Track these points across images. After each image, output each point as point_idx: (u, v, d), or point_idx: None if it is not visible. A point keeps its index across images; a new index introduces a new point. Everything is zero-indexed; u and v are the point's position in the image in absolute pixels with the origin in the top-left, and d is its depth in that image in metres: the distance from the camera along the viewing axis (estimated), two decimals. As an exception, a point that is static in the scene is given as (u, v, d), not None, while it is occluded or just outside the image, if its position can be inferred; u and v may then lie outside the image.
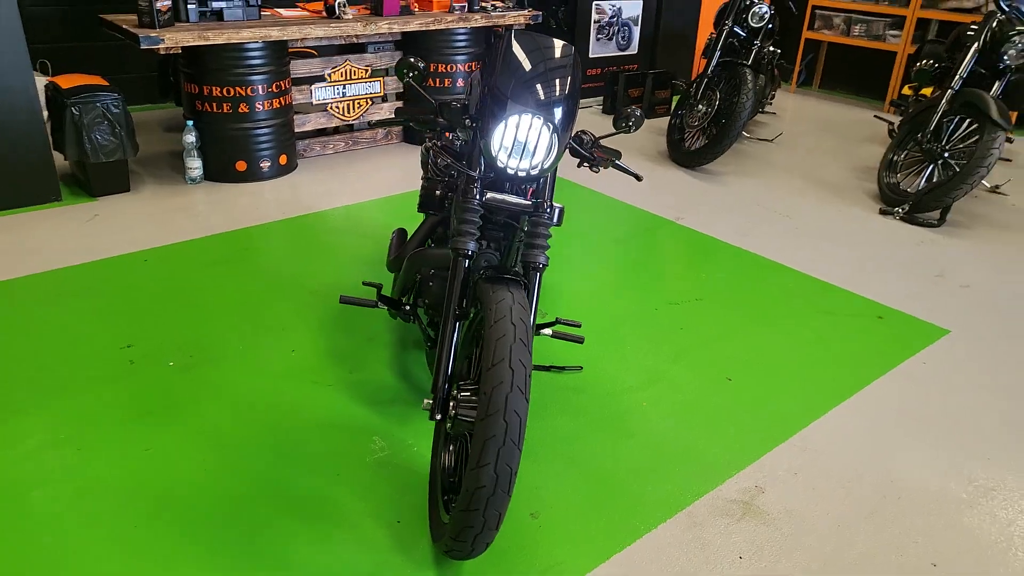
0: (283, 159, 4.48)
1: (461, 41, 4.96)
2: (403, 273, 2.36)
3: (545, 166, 1.86)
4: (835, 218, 4.26)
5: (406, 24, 4.60)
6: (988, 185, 4.73)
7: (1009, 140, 4.17)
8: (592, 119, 6.09)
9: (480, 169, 1.92)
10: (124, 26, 3.93)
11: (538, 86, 1.83)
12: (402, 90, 5.10)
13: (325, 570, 1.83)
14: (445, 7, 4.92)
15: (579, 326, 2.37)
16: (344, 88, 4.81)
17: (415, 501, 2.07)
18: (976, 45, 4.28)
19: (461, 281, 1.89)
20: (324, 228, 3.79)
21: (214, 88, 4.15)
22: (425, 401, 1.85)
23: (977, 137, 4.05)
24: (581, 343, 2.28)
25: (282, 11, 4.60)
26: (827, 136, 5.95)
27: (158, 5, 3.85)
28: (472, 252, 1.89)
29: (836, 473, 2.25)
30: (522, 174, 1.87)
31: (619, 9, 6.33)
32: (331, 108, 4.81)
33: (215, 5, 4.16)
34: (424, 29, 4.70)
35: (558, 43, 1.95)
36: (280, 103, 4.36)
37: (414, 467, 2.20)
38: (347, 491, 2.09)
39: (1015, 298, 3.39)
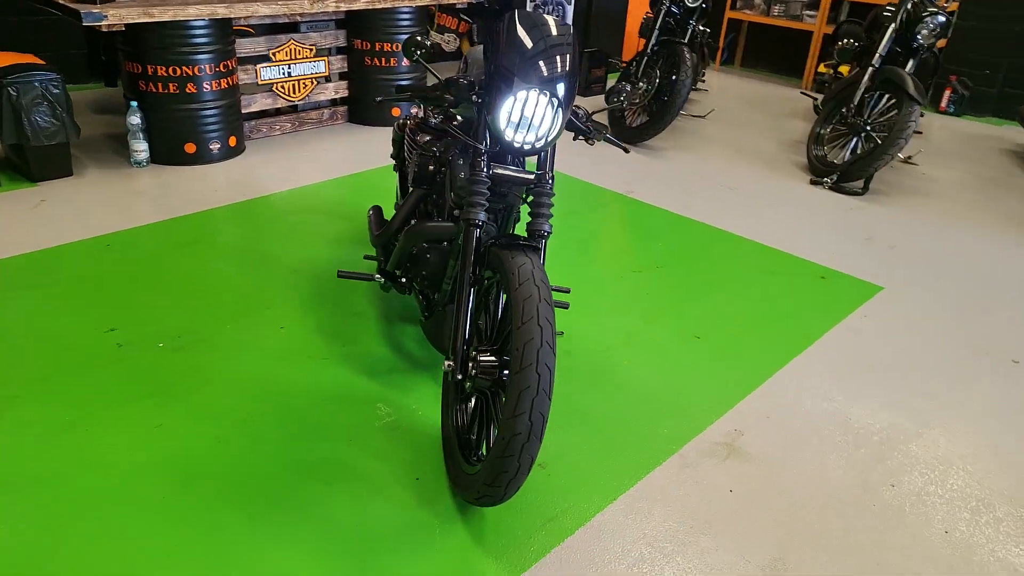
0: (232, 141, 4.43)
1: (405, 20, 4.99)
2: (399, 247, 2.44)
3: (549, 139, 1.99)
4: (771, 188, 4.56)
5: (353, 2, 4.59)
6: (902, 156, 5.14)
7: (920, 114, 4.55)
8: (532, 97, 6.21)
9: (486, 143, 2.03)
10: (61, 1, 3.78)
11: (541, 63, 1.94)
12: (346, 70, 5.09)
13: (362, 527, 1.93)
14: (390, -15, 4.93)
15: (568, 291, 2.52)
16: (289, 68, 4.77)
17: (430, 459, 2.18)
18: (893, 26, 4.63)
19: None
20: (286, 209, 3.80)
21: (159, 68, 4.06)
22: (446, 363, 1.96)
23: (896, 111, 4.41)
24: (566, 308, 2.42)
25: (225, -11, 4.50)
26: (754, 112, 6.29)
27: (101, -19, 3.73)
28: (483, 222, 2.01)
29: (802, 415, 2.49)
30: (527, 147, 1.99)
31: (553, -11, 6.47)
32: (276, 88, 4.76)
33: (158, -18, 4.05)
34: (371, 8, 4.70)
35: (557, 22, 2.07)
36: (228, 83, 4.30)
37: (422, 429, 2.31)
38: (363, 455, 2.18)
39: (936, 256, 3.75)
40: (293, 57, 4.75)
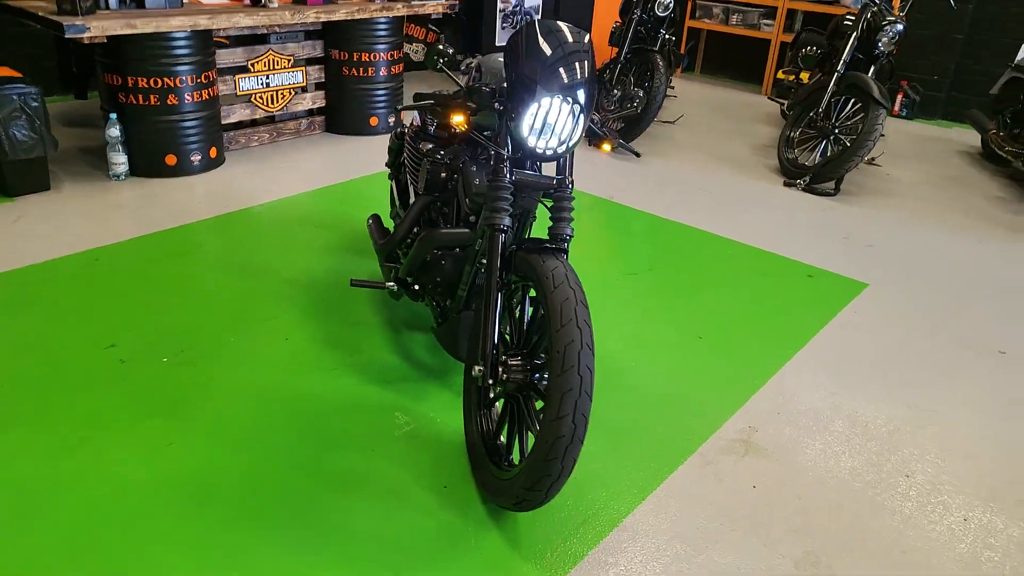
0: (213, 152, 4.36)
1: (382, 30, 4.98)
2: (412, 254, 2.45)
3: (571, 144, 2.02)
4: (747, 191, 4.68)
5: (332, 13, 4.57)
6: (865, 158, 5.33)
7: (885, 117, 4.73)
8: (505, 106, 6.25)
9: (507, 149, 2.05)
10: (41, 13, 3.68)
11: (562, 70, 1.97)
12: (323, 80, 5.06)
13: (393, 537, 1.92)
14: (366, -5, 4.92)
15: None
16: (267, 78, 4.72)
17: (455, 467, 2.19)
18: (855, 33, 4.81)
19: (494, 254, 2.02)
20: (273, 219, 3.75)
21: (139, 79, 3.98)
22: (476, 368, 1.97)
23: (863, 115, 4.57)
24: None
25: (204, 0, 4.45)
26: (720, 117, 6.44)
27: (79, -9, 3.64)
28: (508, 227, 2.03)
29: (811, 410, 2.57)
30: (549, 153, 2.02)
31: (522, -2, 6.54)
32: (255, 99, 4.71)
33: (135, -8, 3.98)
34: (349, 18, 4.69)
35: (575, 29, 2.10)
36: (209, 94, 4.24)
37: (443, 436, 2.31)
38: (387, 465, 2.18)
39: (911, 253, 3.90)
40: (271, 68, 4.71)
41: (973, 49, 6.66)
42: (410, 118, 3.26)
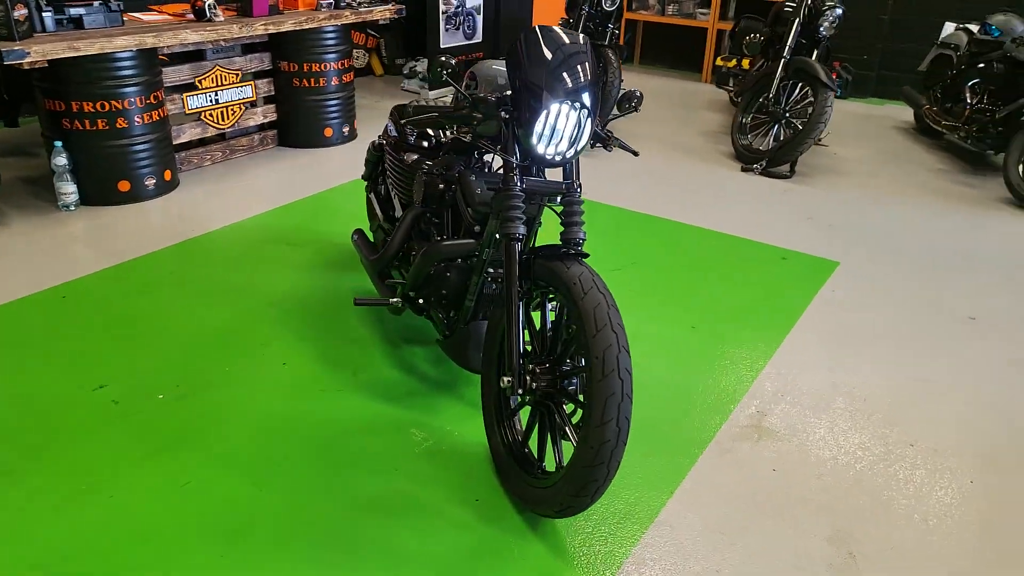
0: (167, 175, 4.20)
1: (331, 39, 4.88)
2: (416, 268, 2.41)
3: (579, 148, 2.03)
4: (707, 178, 4.78)
5: (280, 24, 4.46)
6: (816, 140, 5.51)
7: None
8: (455, 108, 6.22)
9: (516, 157, 2.04)
10: (-25, 40, 3.47)
11: (566, 75, 1.97)
12: (273, 93, 4.93)
13: (437, 555, 1.90)
14: (312, 5, 4.81)
15: None
16: (216, 95, 4.57)
17: (483, 479, 2.17)
18: (798, 20, 4.96)
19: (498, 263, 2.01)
20: (243, 241, 3.64)
21: (84, 103, 3.80)
22: (504, 379, 1.95)
23: (812, 98, 4.72)
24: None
25: (141, 15, 4.27)
26: (667, 106, 6.55)
27: (15, 15, 3.45)
28: (524, 236, 2.02)
29: (811, 389, 2.64)
30: (558, 158, 2.02)
31: (463, -1, 6.50)
32: (205, 117, 4.55)
33: (73, 12, 3.79)
34: (298, 28, 4.58)
35: (570, 33, 2.10)
36: (159, 115, 4.08)
37: (465, 449, 2.29)
38: (414, 482, 2.14)
39: (872, 230, 4.05)
40: (219, 83, 4.56)
41: (898, 29, 6.95)
42: (385, 129, 3.21)
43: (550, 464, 2.05)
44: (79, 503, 2.02)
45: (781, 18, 5.27)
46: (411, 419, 2.41)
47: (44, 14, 3.69)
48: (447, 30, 6.43)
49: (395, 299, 2.51)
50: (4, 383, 2.51)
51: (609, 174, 4.77)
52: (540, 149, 1.98)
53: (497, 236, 2.26)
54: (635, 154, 2.37)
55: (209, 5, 4.23)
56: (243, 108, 4.75)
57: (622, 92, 2.26)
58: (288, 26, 4.50)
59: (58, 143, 3.80)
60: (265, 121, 4.95)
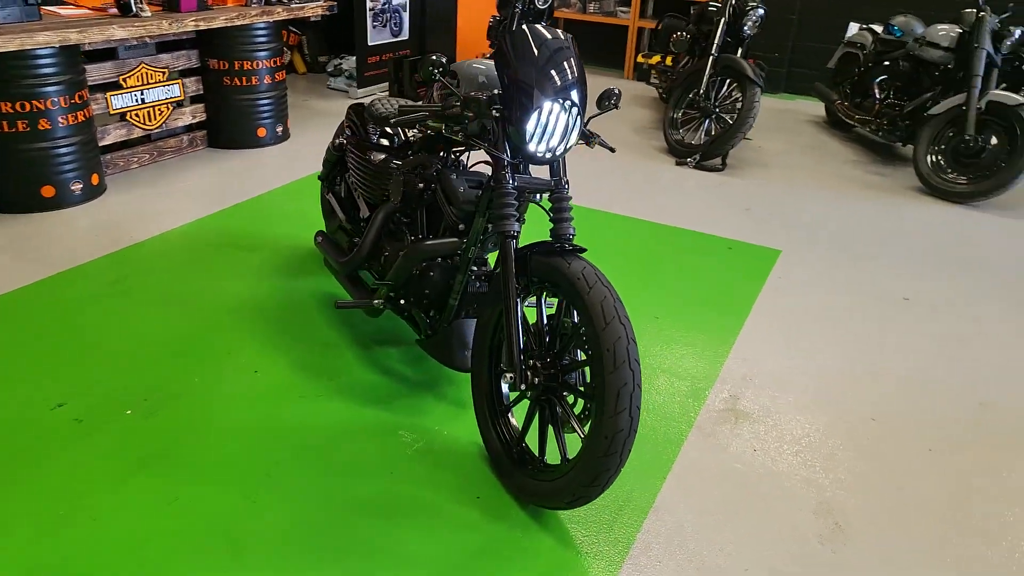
0: (95, 179, 3.97)
1: (262, 36, 4.73)
2: (397, 268, 2.38)
3: (569, 144, 2.06)
4: (645, 173, 4.92)
5: (211, 20, 4.29)
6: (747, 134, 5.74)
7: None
8: (386, 106, 6.14)
9: (507, 155, 2.05)
10: None
11: (554, 72, 2.00)
12: (201, 92, 4.73)
13: (446, 556, 1.89)
14: (241, 1, 4.65)
15: None
16: (142, 94, 4.35)
17: (480, 476, 2.17)
18: (724, 19, 5.16)
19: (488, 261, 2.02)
20: (187, 247, 3.49)
21: (3, 104, 3.55)
22: (508, 375, 1.97)
23: (741, 94, 4.93)
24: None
25: (59, 10, 4.01)
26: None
27: (-76, 9, 3.18)
28: (518, 233, 2.03)
29: (776, 372, 2.78)
30: (548, 155, 2.05)
31: (389, -5, 6.42)
32: (131, 117, 4.33)
33: (-14, 7, 3.53)
34: (229, 25, 4.41)
35: (551, 29, 2.13)
36: (83, 115, 3.85)
37: (456, 448, 2.28)
38: (411, 485, 2.13)
39: (805, 218, 4.28)
40: (145, 82, 4.34)
41: (806, 29, 7.33)
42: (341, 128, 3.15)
43: (551, 458, 2.07)
44: (61, 529, 1.90)
45: (706, 17, 5.48)
46: (397, 421, 2.39)
47: (-46, 8, 3.42)
48: (375, 27, 6.33)
49: (377, 300, 2.47)
50: (-51, 407, 2.33)
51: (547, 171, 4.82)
52: (532, 147, 2.00)
53: (482, 234, 2.27)
54: (612, 151, 2.43)
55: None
56: (170, 108, 4.54)
57: (602, 90, 2.30)
58: (220, 22, 4.34)
59: (-26, 147, 3.53)
60: (194, 121, 4.75)
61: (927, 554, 1.99)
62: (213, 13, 4.34)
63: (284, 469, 2.16)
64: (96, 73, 4.07)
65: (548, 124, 1.98)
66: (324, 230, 3.12)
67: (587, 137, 2.26)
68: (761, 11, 5.22)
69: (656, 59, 6.68)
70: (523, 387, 1.97)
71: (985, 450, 2.42)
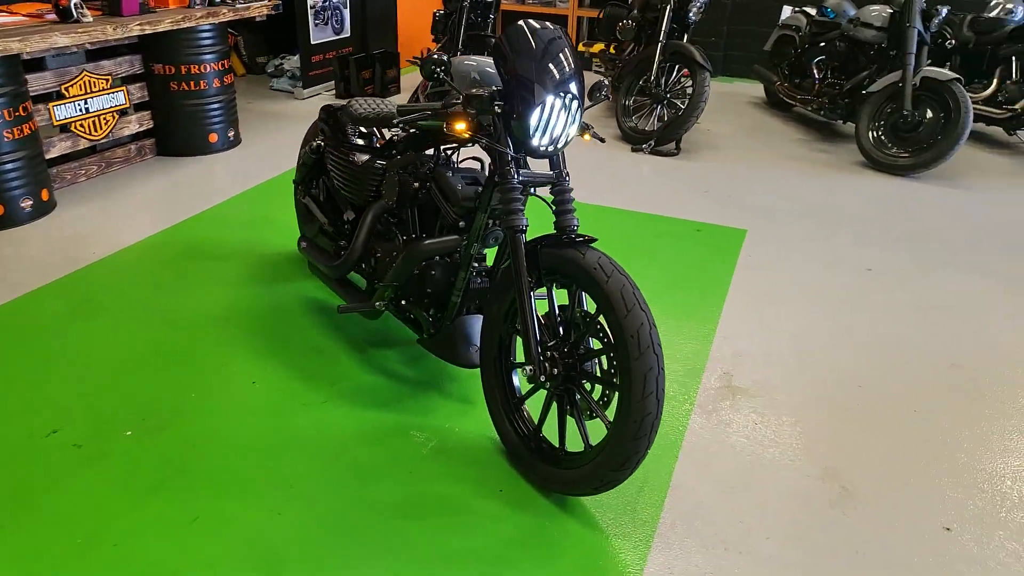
0: (44, 194, 3.80)
1: (208, 38, 4.59)
2: (398, 269, 2.37)
3: (570, 136, 2.09)
4: (602, 160, 4.99)
5: (157, 24, 4.14)
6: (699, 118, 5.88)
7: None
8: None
9: (510, 150, 2.07)
10: None
11: (551, 65, 2.02)
12: (147, 99, 4.57)
13: (483, 548, 1.91)
14: (185, 2, 4.50)
15: None
16: (86, 103, 4.18)
17: (498, 469, 2.19)
18: (670, 6, 5.27)
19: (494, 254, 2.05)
20: (156, 260, 3.38)
21: (-57, 120, 3.36)
22: (528, 368, 1.99)
23: (691, 80, 5.05)
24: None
25: (-7, 19, 3.81)
26: (543, 94, 6.71)
27: None
28: (527, 227, 2.06)
29: (763, 346, 2.88)
30: (551, 149, 2.07)
31: (330, -8, 6.31)
32: (75, 128, 4.15)
33: (-82, 17, 3.33)
34: (175, 28, 4.27)
35: (542, 22, 2.14)
36: (29, 128, 3.68)
37: (471, 443, 2.30)
38: (433, 484, 2.13)
39: (763, 197, 4.42)
40: (88, 91, 4.16)
41: (740, 12, 7.54)
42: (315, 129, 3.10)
43: (571, 445, 2.11)
44: (83, 559, 1.84)
45: (651, 5, 5.57)
46: (407, 422, 2.39)
47: None
48: (316, 25, 6.21)
49: (380, 303, 2.46)
50: (-67, 443, 2.21)
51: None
52: (535, 141, 2.02)
53: (481, 230, 2.28)
54: (602, 141, 2.47)
55: (75, 4, 3.84)
56: (116, 117, 4.38)
57: (593, 83, 2.33)
58: (165, 25, 4.19)
59: (-85, 167, 3.34)
60: (141, 129, 4.58)
61: (929, 505, 2.12)
62: (157, 16, 4.19)
63: (304, 479, 2.13)
64: (37, 83, 3.88)
65: (551, 118, 2.01)
66: (304, 235, 3.07)
67: (583, 128, 2.29)
68: (704, -3, 5.34)
69: (598, 47, 6.77)
70: (543, 379, 2.00)
71: (962, 407, 2.57)
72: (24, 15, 3.95)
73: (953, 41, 5.70)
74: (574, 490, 2.02)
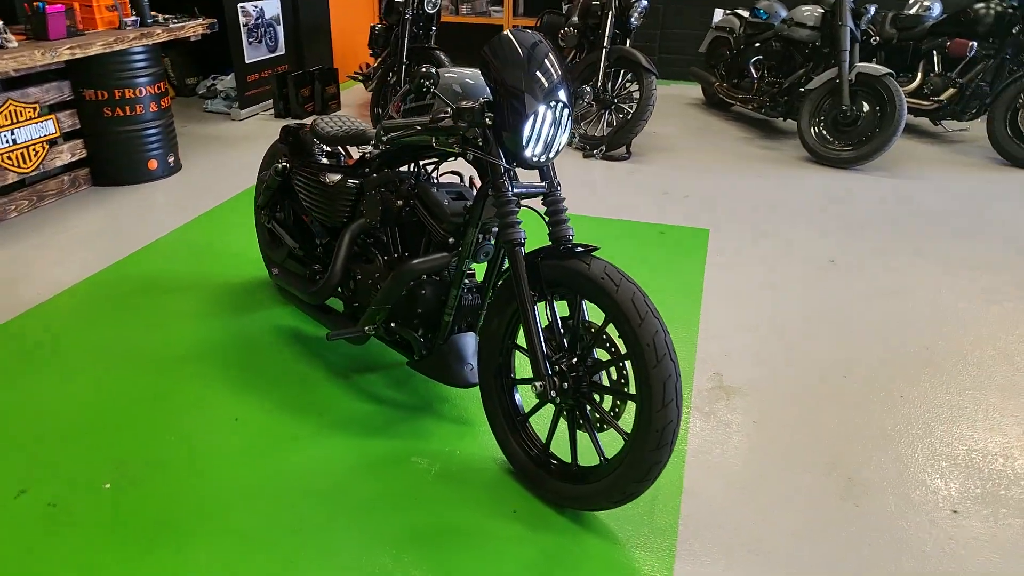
0: (-24, 233, 3.54)
1: (142, 61, 4.38)
2: (385, 291, 2.28)
3: (561, 144, 2.05)
4: (556, 168, 4.97)
5: (88, 47, 3.92)
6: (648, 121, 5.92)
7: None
8: (266, 124, 5.88)
9: (503, 161, 2.01)
10: None
11: (543, 76, 1.98)
12: (80, 126, 4.32)
13: (506, 573, 1.84)
14: (113, 24, 4.28)
15: None
16: (13, 134, 3.92)
17: (508, 489, 2.13)
18: (612, 12, 5.31)
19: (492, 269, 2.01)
20: (107, 298, 3.18)
21: None
22: (537, 384, 1.94)
23: (638, 84, 5.10)
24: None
25: (-93, 48, 3.54)
26: (486, 105, 6.68)
27: None
28: (524, 240, 2.00)
29: (747, 344, 2.90)
30: (543, 159, 2.03)
31: (261, 10, 6.13)
32: (3, 161, 3.89)
33: None
34: (107, 51, 4.05)
35: (523, 30, 2.09)
36: (-45, 164, 3.42)
37: (475, 465, 2.23)
38: (444, 509, 2.05)
39: (719, 196, 4.49)
40: (14, 120, 3.91)
41: (671, 16, 7.68)
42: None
43: (585, 460, 2.06)
44: (74, 630, 1.69)
45: (591, 11, 5.60)
46: (405, 448, 2.29)
47: None
48: (250, 43, 6.03)
49: (369, 327, 2.36)
50: None
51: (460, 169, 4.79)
52: (528, 151, 1.98)
53: (470, 247, 2.22)
54: (587, 148, 2.43)
55: (-1, 30, 3.61)
56: (46, 147, 4.12)
57: (576, 91, 2.30)
58: (97, 48, 3.98)
59: None
60: (74, 159, 4.33)
61: (931, 488, 2.15)
62: (87, 39, 3.98)
63: (311, 518, 2.02)
64: (-41, 115, 3.62)
65: (543, 128, 1.96)
66: (272, 261, 2.94)
67: (571, 137, 2.26)
68: (645, 2, 5.40)
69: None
70: (554, 394, 1.94)
71: (939, 388, 2.64)
72: (-60, 43, 3.68)
73: (877, 38, 5.93)
74: (591, 505, 1.97)
